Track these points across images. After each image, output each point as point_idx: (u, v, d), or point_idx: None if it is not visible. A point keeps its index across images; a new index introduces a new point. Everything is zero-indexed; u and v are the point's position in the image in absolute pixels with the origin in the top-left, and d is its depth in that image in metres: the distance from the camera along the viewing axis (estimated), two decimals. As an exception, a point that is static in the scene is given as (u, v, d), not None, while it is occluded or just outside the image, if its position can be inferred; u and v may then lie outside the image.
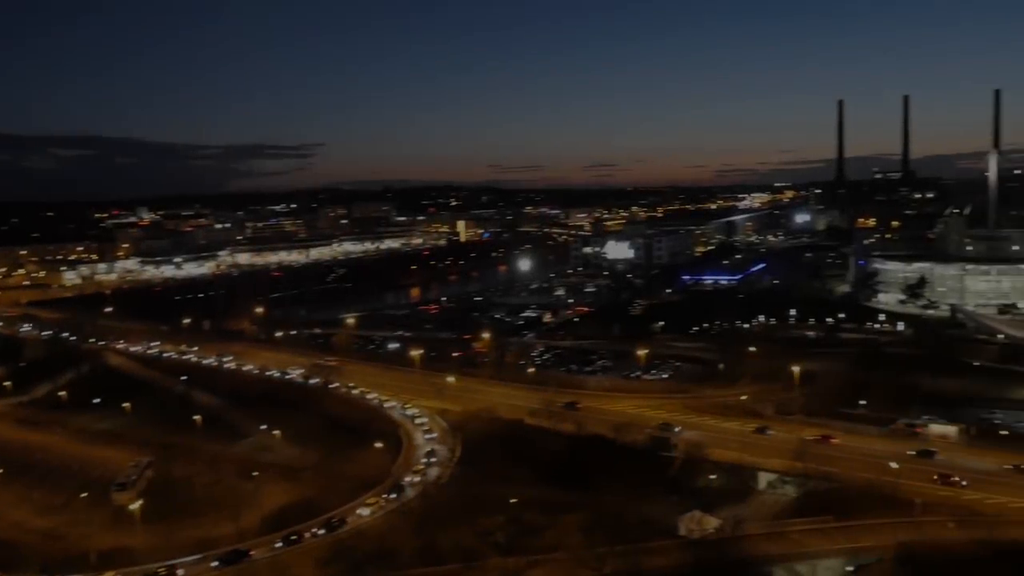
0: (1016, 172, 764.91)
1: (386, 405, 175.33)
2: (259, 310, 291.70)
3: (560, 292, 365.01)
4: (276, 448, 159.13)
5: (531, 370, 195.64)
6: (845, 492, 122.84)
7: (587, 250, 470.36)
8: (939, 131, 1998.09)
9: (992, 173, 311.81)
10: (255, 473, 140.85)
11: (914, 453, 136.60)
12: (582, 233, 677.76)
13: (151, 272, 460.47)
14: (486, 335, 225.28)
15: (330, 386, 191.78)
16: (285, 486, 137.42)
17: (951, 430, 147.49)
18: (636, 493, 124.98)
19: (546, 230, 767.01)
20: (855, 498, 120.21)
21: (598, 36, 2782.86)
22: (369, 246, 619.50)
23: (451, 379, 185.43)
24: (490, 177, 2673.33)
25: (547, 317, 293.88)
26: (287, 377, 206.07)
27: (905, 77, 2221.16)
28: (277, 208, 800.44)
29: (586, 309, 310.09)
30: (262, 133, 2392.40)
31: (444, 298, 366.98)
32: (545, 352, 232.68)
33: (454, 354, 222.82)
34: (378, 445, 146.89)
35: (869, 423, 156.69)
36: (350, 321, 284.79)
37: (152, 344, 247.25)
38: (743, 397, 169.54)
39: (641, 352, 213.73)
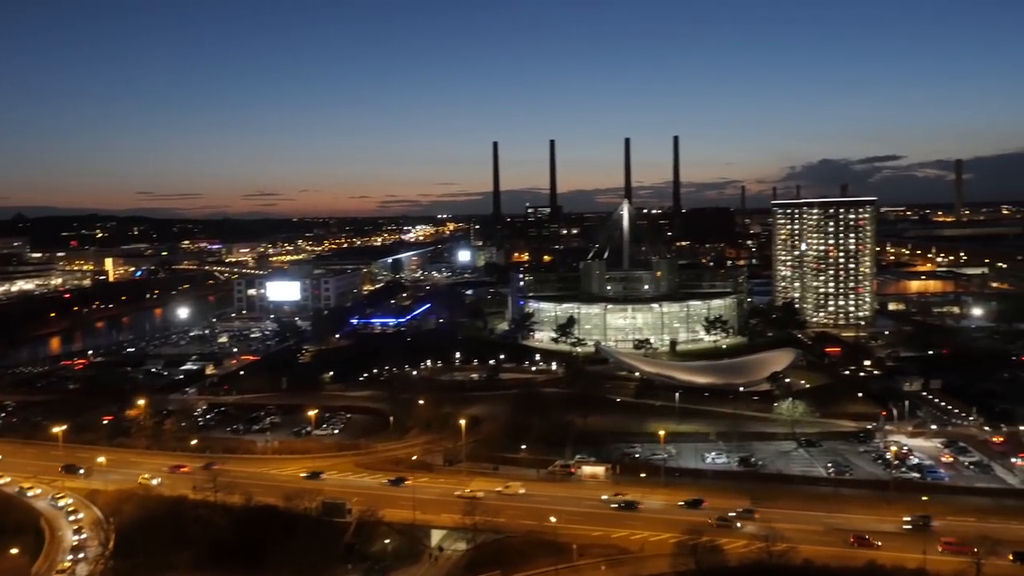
0: (644, 211, 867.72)
1: (28, 493, 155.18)
2: None
3: (223, 339, 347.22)
4: None
5: (193, 441, 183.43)
6: (512, 542, 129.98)
7: (252, 291, 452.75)
8: (581, 169, 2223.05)
9: (625, 219, 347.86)
10: None
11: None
12: (246, 271, 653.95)
13: None
14: (141, 400, 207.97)
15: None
16: None
17: (599, 470, 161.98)
18: (311, 566, 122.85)
19: (207, 267, 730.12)
20: (522, 547, 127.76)
21: (255, 60, 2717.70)
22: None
23: (102, 459, 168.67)
24: (141, 205, 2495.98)
25: (210, 369, 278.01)
26: None
27: (551, 118, 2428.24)
28: None
29: (252, 358, 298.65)
30: None
31: (91, 351, 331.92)
32: (209, 411, 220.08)
33: (104, 420, 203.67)
34: (12, 545, 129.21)
35: (529, 466, 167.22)
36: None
37: None
38: (414, 457, 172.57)
39: (311, 405, 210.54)
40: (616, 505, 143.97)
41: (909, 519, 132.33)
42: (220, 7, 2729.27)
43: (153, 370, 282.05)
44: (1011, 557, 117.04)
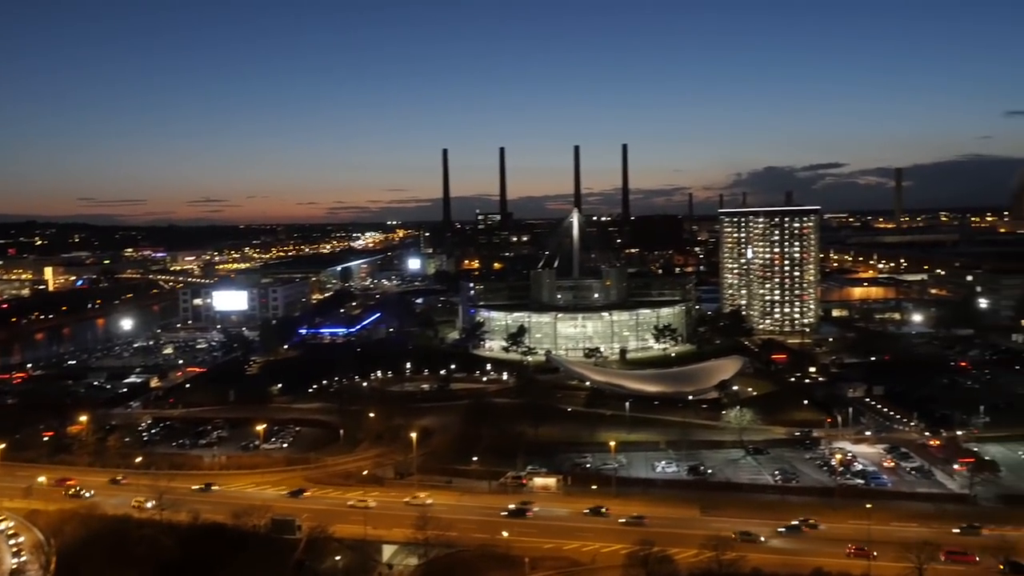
0: (594, 218, 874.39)
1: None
2: None
3: (168, 351, 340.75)
4: None
5: (138, 459, 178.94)
6: (464, 556, 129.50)
7: (197, 301, 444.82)
8: (531, 175, 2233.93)
9: (575, 227, 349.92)
10: None
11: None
12: (191, 280, 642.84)
13: None
14: (83, 415, 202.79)
15: None
16: None
17: (551, 481, 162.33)
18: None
19: (151, 276, 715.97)
20: (474, 561, 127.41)
21: (201, 65, 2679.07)
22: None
23: (43, 478, 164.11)
24: (82, 211, 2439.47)
25: (154, 382, 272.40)
26: None
27: (500, 125, 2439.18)
28: None
29: (198, 370, 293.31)
30: None
31: (30, 364, 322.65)
32: (153, 426, 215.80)
33: (45, 436, 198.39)
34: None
35: (481, 478, 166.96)
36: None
37: None
38: (365, 472, 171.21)
39: (259, 419, 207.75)
40: (506, 513, 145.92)
41: (796, 523, 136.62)
42: (165, 12, 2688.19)
43: (95, 383, 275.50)
44: (1001, 566, 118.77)
